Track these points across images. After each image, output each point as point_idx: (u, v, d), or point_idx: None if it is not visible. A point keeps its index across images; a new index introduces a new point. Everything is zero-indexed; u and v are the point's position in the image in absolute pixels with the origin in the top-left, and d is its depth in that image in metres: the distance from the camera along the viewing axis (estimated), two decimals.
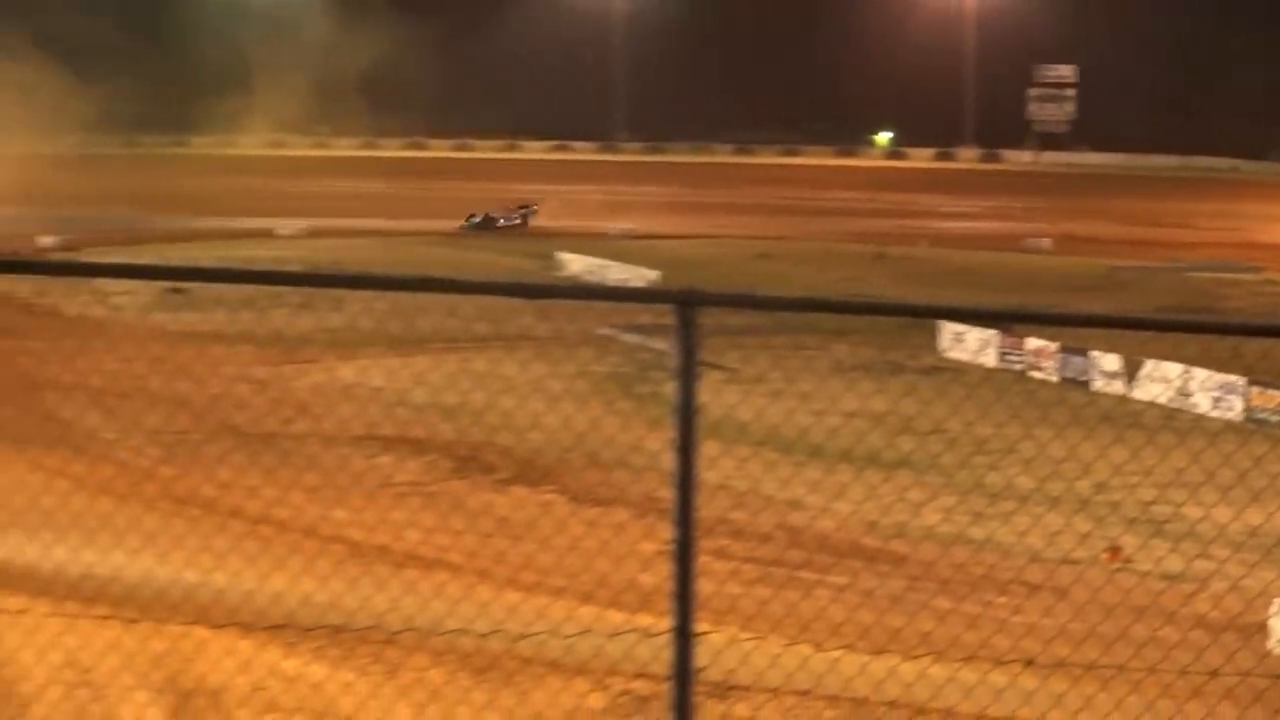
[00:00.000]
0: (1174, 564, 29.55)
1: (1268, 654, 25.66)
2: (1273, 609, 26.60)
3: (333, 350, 45.67)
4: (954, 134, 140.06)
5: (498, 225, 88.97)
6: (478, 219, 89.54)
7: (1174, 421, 39.53)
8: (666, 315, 9.79)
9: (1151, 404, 43.89)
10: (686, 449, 9.95)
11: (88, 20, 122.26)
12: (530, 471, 34.53)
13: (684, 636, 10.01)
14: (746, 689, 21.62)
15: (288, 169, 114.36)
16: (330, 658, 22.33)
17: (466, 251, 74.89)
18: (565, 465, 34.82)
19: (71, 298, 48.01)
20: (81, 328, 43.35)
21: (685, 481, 9.96)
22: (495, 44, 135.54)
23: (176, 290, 51.59)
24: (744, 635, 21.74)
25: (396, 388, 38.63)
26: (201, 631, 21.94)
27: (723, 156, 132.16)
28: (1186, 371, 44.76)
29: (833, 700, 21.15)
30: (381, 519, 28.56)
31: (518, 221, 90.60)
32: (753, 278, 66.62)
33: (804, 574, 28.23)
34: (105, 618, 21.02)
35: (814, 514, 30.26)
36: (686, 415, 9.90)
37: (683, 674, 10.03)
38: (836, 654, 20.96)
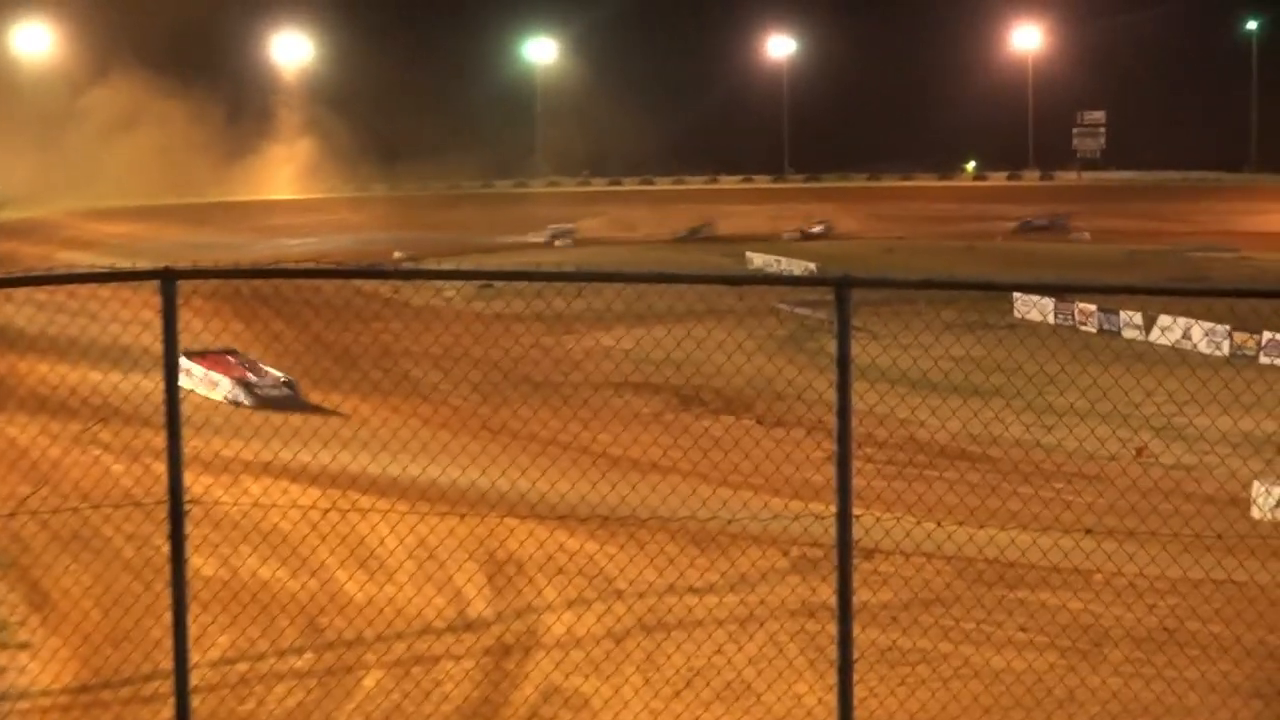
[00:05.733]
0: (1188, 459, 28.95)
1: (1254, 520, 25.26)
2: (1253, 489, 26.19)
3: (595, 324, 45.63)
4: (1020, 160, 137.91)
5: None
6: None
7: (1182, 357, 38.92)
8: (827, 293, 9.49)
9: (1166, 346, 43.64)
10: (844, 387, 9.71)
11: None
12: (733, 404, 34.22)
13: (844, 518, 9.78)
14: (887, 553, 21.28)
15: (560, 200, 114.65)
16: (599, 537, 22.18)
17: (681, 254, 74.51)
18: (757, 399, 34.51)
19: (417, 293, 48.17)
20: (425, 314, 43.49)
21: (844, 410, 9.71)
22: (694, 101, 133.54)
23: (486, 286, 51.72)
24: (884, 515, 21.40)
25: (639, 349, 38.42)
26: (511, 521, 21.88)
27: (859, 182, 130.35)
28: (1189, 322, 44.63)
29: (949, 559, 20.74)
30: (631, 440, 28.40)
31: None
32: (882, 266, 66.01)
33: (925, 471, 27.79)
34: (444, 513, 21.01)
35: (931, 429, 29.80)
36: (844, 364, 9.65)
37: (844, 543, 9.79)
38: (951, 528, 20.51)
